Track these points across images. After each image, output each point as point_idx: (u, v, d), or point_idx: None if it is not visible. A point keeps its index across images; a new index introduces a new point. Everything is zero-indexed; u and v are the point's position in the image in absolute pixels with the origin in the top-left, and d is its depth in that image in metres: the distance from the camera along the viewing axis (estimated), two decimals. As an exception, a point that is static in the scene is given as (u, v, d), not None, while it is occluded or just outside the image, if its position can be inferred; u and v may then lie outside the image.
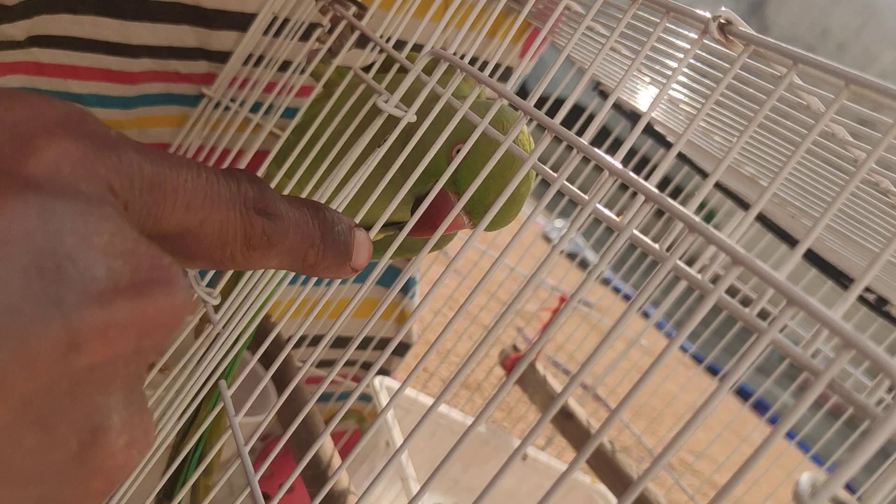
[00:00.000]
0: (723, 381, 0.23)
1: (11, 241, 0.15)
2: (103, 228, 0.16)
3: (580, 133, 0.31)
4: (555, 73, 0.34)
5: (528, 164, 0.31)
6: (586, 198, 0.29)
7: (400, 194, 0.37)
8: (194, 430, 0.45)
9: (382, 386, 0.73)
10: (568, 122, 0.33)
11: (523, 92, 0.38)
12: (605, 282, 1.56)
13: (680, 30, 0.33)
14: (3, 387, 0.14)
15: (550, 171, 0.31)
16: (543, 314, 0.87)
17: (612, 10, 0.38)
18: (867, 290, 0.73)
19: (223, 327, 0.44)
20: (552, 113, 0.34)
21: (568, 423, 0.76)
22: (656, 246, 0.27)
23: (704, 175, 0.75)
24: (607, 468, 0.70)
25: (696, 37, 0.28)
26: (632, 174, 0.27)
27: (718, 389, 0.22)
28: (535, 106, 0.33)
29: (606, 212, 0.28)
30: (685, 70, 0.44)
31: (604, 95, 0.77)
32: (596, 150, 0.29)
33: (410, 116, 0.40)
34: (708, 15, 0.27)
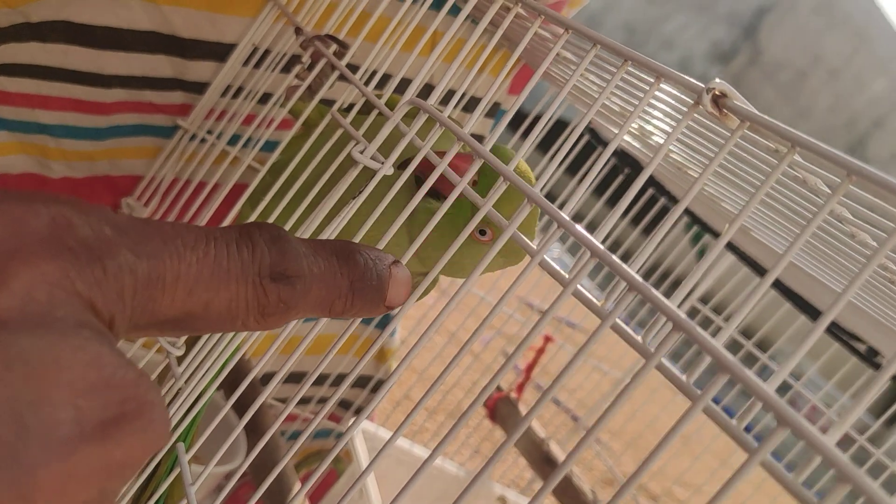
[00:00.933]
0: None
1: None
2: (75, 361, 0.15)
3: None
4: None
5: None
6: (567, 277, 0.27)
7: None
8: (148, 493, 0.43)
9: (358, 430, 0.71)
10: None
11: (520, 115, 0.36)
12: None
13: (673, 91, 0.31)
14: None
15: (561, 273, 0.29)
16: (528, 353, 0.85)
17: (604, 63, 0.36)
18: (858, 339, 0.71)
19: (185, 382, 0.42)
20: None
21: (550, 471, 0.73)
22: (640, 339, 0.25)
23: (714, 233, 0.73)
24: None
25: (688, 103, 0.26)
26: (614, 258, 0.25)
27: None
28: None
29: (588, 295, 0.26)
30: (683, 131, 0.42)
31: (594, 134, 0.75)
32: (577, 227, 0.27)
33: (387, 169, 0.38)
34: (701, 85, 0.25)
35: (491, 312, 0.28)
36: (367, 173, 0.40)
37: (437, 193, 0.42)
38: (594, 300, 0.26)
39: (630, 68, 0.29)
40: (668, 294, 0.24)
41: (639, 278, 0.24)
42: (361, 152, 0.39)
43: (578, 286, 0.26)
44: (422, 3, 0.45)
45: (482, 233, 0.42)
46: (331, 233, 0.38)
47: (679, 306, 0.23)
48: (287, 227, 0.42)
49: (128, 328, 0.18)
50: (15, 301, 0.15)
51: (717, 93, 0.25)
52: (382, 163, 0.38)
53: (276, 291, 0.21)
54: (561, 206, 0.28)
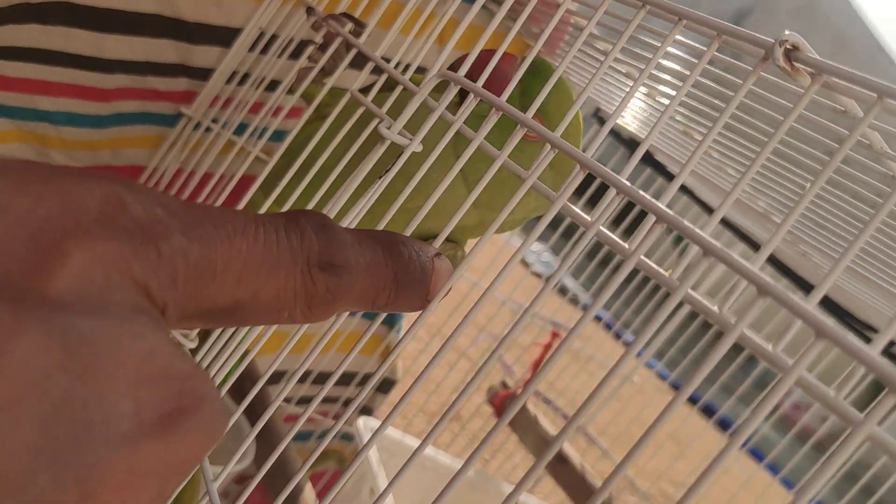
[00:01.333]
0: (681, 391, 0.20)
1: (29, 384, 0.13)
2: (135, 351, 0.14)
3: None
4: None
5: (528, 182, 0.27)
6: (589, 219, 0.26)
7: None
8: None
9: (366, 427, 0.69)
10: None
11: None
12: (597, 318, 1.53)
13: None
14: None
15: (583, 215, 0.28)
16: (534, 349, 0.83)
17: (646, 35, 0.34)
18: (854, 317, 0.70)
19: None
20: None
21: (562, 468, 0.72)
22: (666, 273, 0.24)
23: (708, 210, 0.72)
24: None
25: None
26: (640, 192, 0.25)
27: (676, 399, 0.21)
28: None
29: (610, 234, 0.26)
30: (692, 90, 0.41)
31: (602, 121, 0.74)
32: (604, 167, 0.26)
33: (416, 146, 0.36)
34: (771, 40, 0.24)
35: (493, 283, 0.27)
36: (392, 153, 0.38)
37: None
38: (660, 270, 0.25)
39: (685, 31, 0.28)
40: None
41: (716, 243, 0.23)
42: (388, 129, 0.37)
43: (642, 256, 0.25)
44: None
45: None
46: (355, 217, 0.37)
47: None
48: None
49: (178, 317, 0.17)
50: (73, 282, 0.14)
51: (788, 46, 0.23)
52: (410, 139, 0.36)
53: (324, 281, 0.20)
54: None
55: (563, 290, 1.54)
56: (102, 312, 0.14)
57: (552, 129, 0.29)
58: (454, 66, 0.36)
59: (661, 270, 0.24)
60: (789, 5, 9.16)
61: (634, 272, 1.21)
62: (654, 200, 0.24)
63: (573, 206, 0.28)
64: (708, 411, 1.47)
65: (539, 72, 0.42)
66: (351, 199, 0.38)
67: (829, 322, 0.19)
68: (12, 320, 0.13)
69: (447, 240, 0.48)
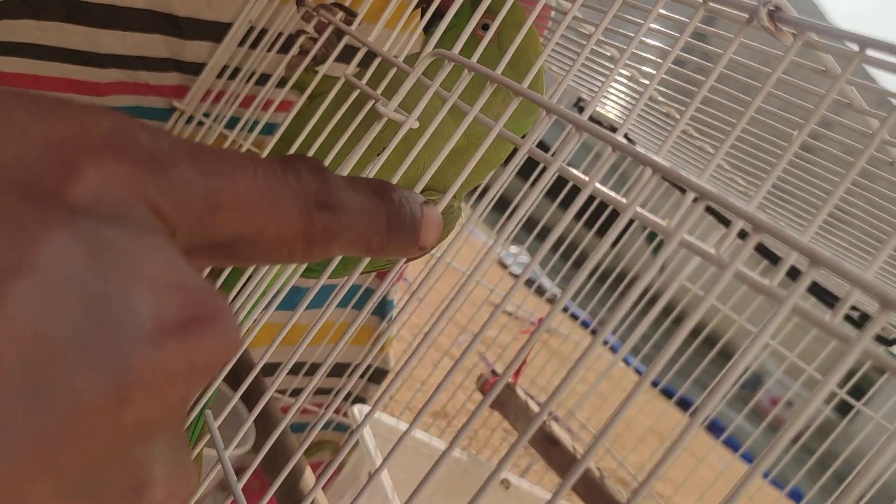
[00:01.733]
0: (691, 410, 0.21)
1: (60, 280, 0.13)
2: (154, 260, 0.15)
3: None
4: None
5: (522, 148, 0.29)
6: (586, 179, 0.28)
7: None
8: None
9: (361, 414, 0.70)
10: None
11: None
12: (574, 317, 1.55)
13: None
14: (51, 460, 0.13)
15: (546, 154, 0.30)
16: (515, 345, 0.85)
17: (630, 13, 0.36)
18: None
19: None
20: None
21: (553, 450, 0.73)
22: (662, 223, 0.25)
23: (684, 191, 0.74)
24: (596, 495, 0.68)
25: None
26: (635, 148, 0.26)
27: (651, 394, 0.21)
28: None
29: (607, 191, 0.27)
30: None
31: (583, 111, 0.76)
32: (597, 126, 0.28)
33: (412, 122, 0.38)
34: (754, 2, 0.26)
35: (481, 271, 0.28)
36: (388, 132, 0.39)
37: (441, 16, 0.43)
38: (658, 220, 0.26)
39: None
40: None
41: (710, 188, 0.24)
42: (384, 107, 0.39)
43: (637, 208, 0.26)
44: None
45: (484, 27, 0.45)
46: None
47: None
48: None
49: (186, 245, 0.18)
50: (92, 193, 0.15)
51: (771, 7, 0.25)
52: (406, 117, 0.38)
53: (322, 220, 0.21)
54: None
55: (540, 290, 1.56)
56: (121, 223, 0.15)
57: (505, 26, 0.31)
58: None
59: (657, 219, 0.26)
60: (757, 8, 9.30)
61: (609, 270, 1.23)
62: (647, 154, 0.26)
63: (570, 168, 0.29)
64: (684, 405, 1.50)
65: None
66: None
67: (823, 251, 0.21)
68: (40, 218, 0.13)
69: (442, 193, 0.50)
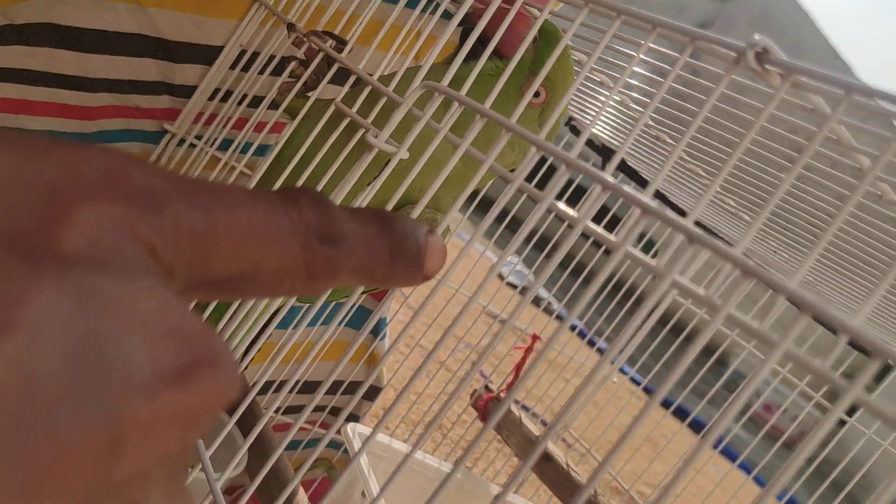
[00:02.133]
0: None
1: (49, 330, 0.13)
2: (147, 305, 0.15)
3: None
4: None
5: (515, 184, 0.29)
6: (576, 216, 0.28)
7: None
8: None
9: (355, 433, 0.70)
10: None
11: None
12: (560, 317, 1.55)
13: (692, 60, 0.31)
14: (39, 498, 0.13)
15: (536, 191, 0.30)
16: (511, 357, 0.85)
17: (619, 44, 0.36)
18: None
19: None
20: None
21: (546, 466, 0.73)
22: (652, 263, 0.25)
23: (680, 213, 0.74)
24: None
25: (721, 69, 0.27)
26: (625, 188, 0.27)
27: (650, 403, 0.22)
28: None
29: (598, 229, 0.28)
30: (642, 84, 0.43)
31: (575, 131, 0.76)
32: (587, 165, 0.29)
33: (403, 153, 0.38)
34: (742, 44, 0.26)
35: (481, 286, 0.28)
36: (380, 158, 0.39)
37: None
38: (650, 261, 0.27)
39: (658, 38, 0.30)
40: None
41: (700, 231, 0.24)
42: (375, 137, 0.39)
43: (629, 248, 0.27)
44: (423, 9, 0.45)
45: (535, 95, 0.45)
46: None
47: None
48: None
49: (183, 285, 0.18)
50: (83, 240, 0.14)
51: (759, 49, 0.25)
52: (397, 147, 0.38)
53: (324, 252, 0.20)
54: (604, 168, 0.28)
55: (537, 301, 1.55)
56: (113, 269, 0.15)
57: (556, 96, 0.31)
58: (471, 20, 0.39)
59: (648, 259, 0.26)
60: (746, 16, 9.34)
61: (607, 280, 1.23)
62: (637, 194, 0.26)
63: (560, 204, 0.29)
64: (681, 414, 1.50)
65: (550, 39, 0.45)
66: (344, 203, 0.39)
67: (811, 297, 0.21)
68: (26, 273, 0.13)
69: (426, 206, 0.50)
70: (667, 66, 0.35)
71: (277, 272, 0.20)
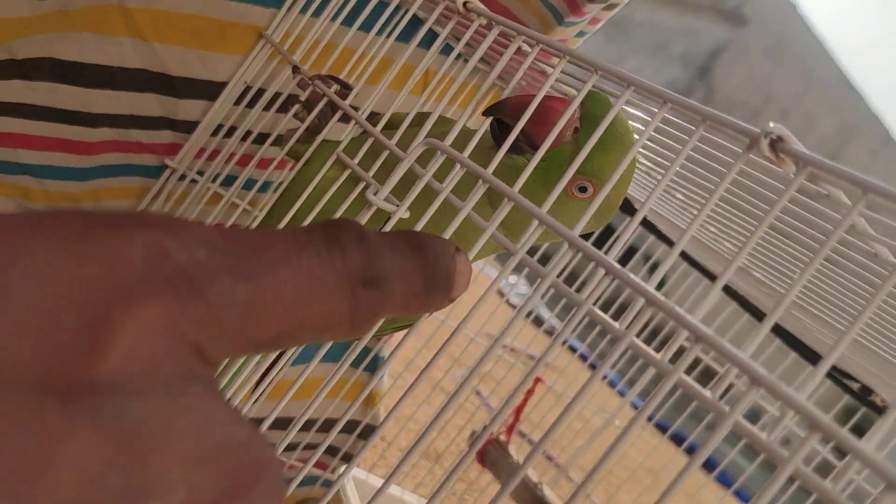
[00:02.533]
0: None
1: (83, 488, 0.12)
2: (187, 428, 0.14)
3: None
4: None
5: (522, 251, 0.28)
6: (582, 299, 0.27)
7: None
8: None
9: (349, 477, 0.68)
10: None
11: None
12: (572, 349, 1.53)
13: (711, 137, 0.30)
14: None
15: (541, 267, 0.30)
16: (509, 382, 0.83)
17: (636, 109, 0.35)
18: (851, 377, 0.71)
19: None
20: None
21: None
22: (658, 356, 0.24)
23: (708, 275, 0.73)
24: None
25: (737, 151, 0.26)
26: (631, 275, 0.26)
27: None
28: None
29: (603, 315, 0.27)
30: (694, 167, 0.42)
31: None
32: (591, 247, 0.28)
33: (402, 212, 0.37)
34: (757, 130, 0.25)
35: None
36: (381, 215, 0.38)
37: (518, 148, 0.41)
38: (647, 348, 0.25)
39: (669, 116, 0.29)
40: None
41: (707, 330, 0.23)
42: (374, 194, 0.38)
43: (634, 338, 0.25)
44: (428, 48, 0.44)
45: (582, 189, 0.40)
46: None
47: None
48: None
49: (229, 353, 0.17)
50: (122, 361, 0.14)
51: (774, 137, 0.24)
52: (398, 205, 0.37)
53: (367, 298, 0.19)
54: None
55: (538, 321, 1.53)
56: (152, 390, 0.14)
57: (603, 187, 0.30)
58: (505, 109, 0.38)
59: (653, 353, 0.25)
60: (761, 44, 9.36)
61: (610, 301, 1.22)
62: (643, 284, 0.25)
63: (563, 284, 0.28)
64: (678, 440, 1.48)
65: (591, 128, 0.39)
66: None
67: (822, 416, 0.20)
68: (62, 421, 0.13)
69: None
70: (685, 133, 0.34)
71: (322, 325, 0.19)
